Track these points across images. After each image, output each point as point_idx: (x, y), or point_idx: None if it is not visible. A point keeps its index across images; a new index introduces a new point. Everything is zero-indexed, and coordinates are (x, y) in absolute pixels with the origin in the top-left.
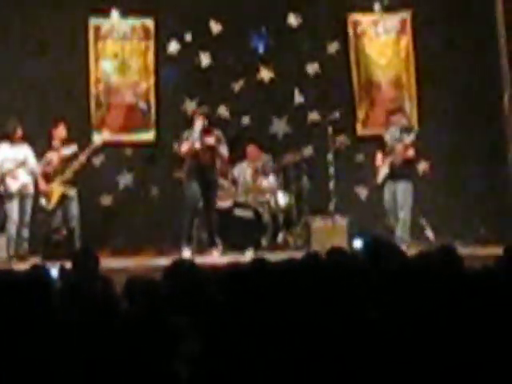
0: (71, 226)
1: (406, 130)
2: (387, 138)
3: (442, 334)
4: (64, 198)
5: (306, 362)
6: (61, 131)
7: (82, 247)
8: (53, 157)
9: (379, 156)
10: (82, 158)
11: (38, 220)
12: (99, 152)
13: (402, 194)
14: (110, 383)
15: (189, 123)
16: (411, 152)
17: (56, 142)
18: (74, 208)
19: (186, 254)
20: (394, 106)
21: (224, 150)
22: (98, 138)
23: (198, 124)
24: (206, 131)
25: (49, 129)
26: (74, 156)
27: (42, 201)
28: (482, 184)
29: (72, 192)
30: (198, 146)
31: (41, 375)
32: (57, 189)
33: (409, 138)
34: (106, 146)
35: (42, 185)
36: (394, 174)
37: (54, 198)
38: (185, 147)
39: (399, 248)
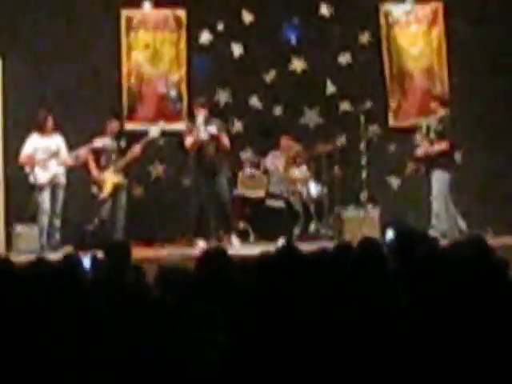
0: (117, 216)
1: (443, 122)
2: (427, 124)
3: (472, 324)
4: (117, 188)
5: (336, 350)
6: (114, 126)
7: (115, 238)
8: (91, 147)
9: (422, 147)
10: (137, 149)
11: (82, 208)
12: (154, 144)
13: (435, 183)
14: (144, 371)
15: (218, 114)
16: (443, 145)
17: (108, 134)
18: (123, 199)
19: (201, 247)
20: (429, 95)
21: (226, 140)
22: (154, 130)
23: (200, 115)
24: (206, 121)
25: (103, 118)
26: (126, 148)
27: (94, 189)
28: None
29: (124, 182)
30: (204, 136)
31: (73, 361)
32: (110, 178)
33: (434, 126)
34: (138, 136)
35: (95, 173)
36: (430, 164)
37: (108, 187)
38: (189, 140)
39: (431, 238)
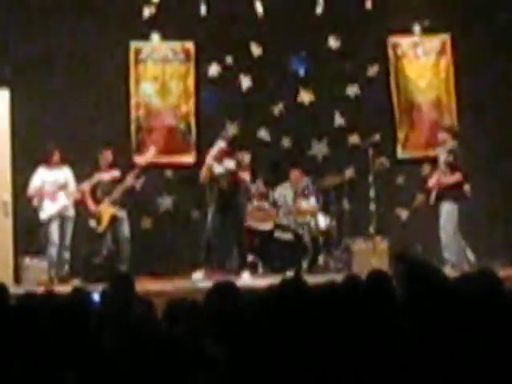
0: (122, 248)
1: (452, 153)
2: (439, 157)
3: (484, 358)
4: (114, 220)
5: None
6: (107, 156)
7: (120, 270)
8: (100, 179)
9: (433, 178)
10: (129, 178)
11: (88, 241)
12: (144, 172)
13: (445, 214)
14: None
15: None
16: (457, 176)
17: (103, 166)
18: (126, 229)
19: (197, 276)
20: (440, 126)
21: (245, 176)
22: (144, 157)
23: (215, 148)
24: (225, 155)
25: (96, 153)
26: (121, 178)
27: (92, 222)
28: None
29: (122, 213)
30: (217, 170)
31: None
32: (106, 210)
33: (443, 158)
34: (146, 168)
35: (92, 206)
36: (440, 195)
37: (105, 220)
38: (203, 172)
39: (440, 271)
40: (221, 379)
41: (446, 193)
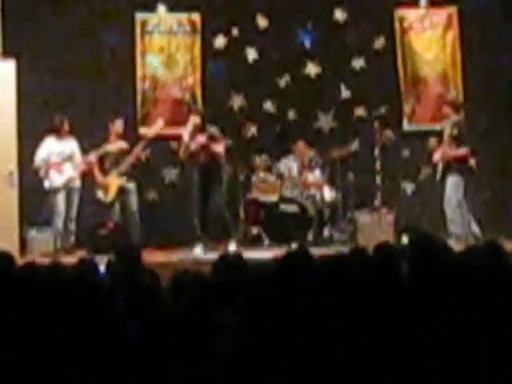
0: (130, 220)
1: (458, 126)
2: (445, 132)
3: (489, 331)
4: (122, 191)
5: (348, 356)
6: (118, 125)
7: (129, 242)
8: (107, 150)
9: (438, 152)
10: (137, 150)
11: (94, 213)
12: (152, 144)
13: (450, 187)
14: (157, 374)
15: (234, 117)
16: (463, 150)
17: (112, 137)
18: (134, 202)
19: (197, 251)
20: (443, 100)
21: (219, 148)
22: (151, 129)
23: (189, 124)
24: (198, 130)
25: (104, 120)
26: (129, 149)
27: (99, 193)
28: None
29: (130, 185)
30: (193, 146)
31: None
32: (114, 181)
33: (448, 131)
34: (154, 140)
35: (99, 177)
36: (446, 168)
37: (112, 191)
38: (180, 151)
39: (445, 244)
40: (231, 345)
41: (451, 166)
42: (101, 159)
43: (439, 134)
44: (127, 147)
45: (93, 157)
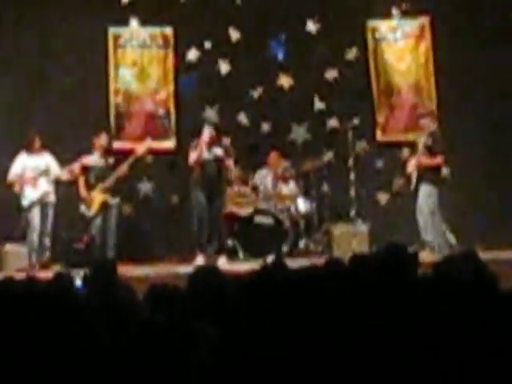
0: (108, 235)
1: (432, 136)
2: (420, 142)
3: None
4: (105, 206)
5: (324, 371)
6: (102, 139)
7: (105, 256)
8: (84, 163)
9: (412, 162)
10: (124, 167)
11: (70, 227)
12: (141, 160)
13: (421, 196)
14: None
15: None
16: (438, 159)
17: (96, 151)
18: (114, 217)
19: (200, 261)
20: (420, 110)
21: (231, 162)
22: (140, 147)
23: (206, 134)
24: (214, 141)
25: (90, 137)
26: (116, 165)
27: (82, 207)
28: (505, 184)
29: (114, 201)
30: (206, 156)
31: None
32: (98, 196)
33: (423, 141)
34: (141, 159)
35: (83, 192)
36: (419, 177)
37: (95, 205)
38: (193, 157)
39: (416, 255)
40: (212, 357)
41: (424, 175)
42: (85, 174)
43: (412, 144)
44: (103, 163)
45: (76, 166)
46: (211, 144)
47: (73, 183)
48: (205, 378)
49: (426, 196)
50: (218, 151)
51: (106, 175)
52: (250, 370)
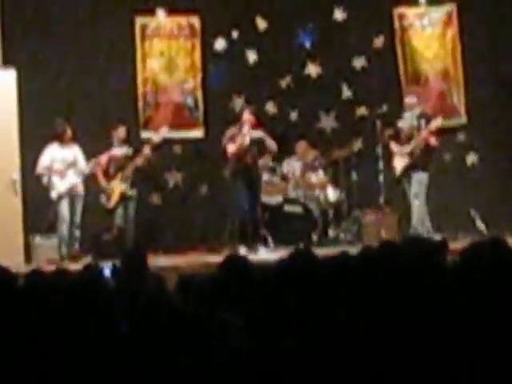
0: (127, 226)
1: (424, 116)
2: (403, 125)
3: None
4: (124, 197)
5: (351, 360)
6: (121, 132)
7: (131, 246)
8: (112, 155)
9: (393, 145)
10: (142, 156)
11: (98, 218)
12: (157, 150)
13: (417, 184)
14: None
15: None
16: (433, 140)
17: (115, 143)
18: (132, 208)
19: (243, 251)
20: (443, 97)
21: (272, 143)
22: (156, 136)
23: (247, 121)
24: (254, 125)
25: (106, 126)
26: (133, 155)
27: (102, 198)
28: None
29: (132, 192)
30: (247, 141)
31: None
32: (117, 187)
33: (435, 123)
34: (158, 147)
35: (103, 182)
36: (413, 164)
37: (115, 196)
38: (232, 147)
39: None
40: (240, 345)
41: (420, 160)
42: (106, 164)
43: (443, 131)
44: (131, 152)
45: (104, 158)
46: (252, 127)
47: (92, 174)
48: (233, 366)
49: (423, 185)
50: (259, 133)
51: (125, 166)
52: (276, 358)
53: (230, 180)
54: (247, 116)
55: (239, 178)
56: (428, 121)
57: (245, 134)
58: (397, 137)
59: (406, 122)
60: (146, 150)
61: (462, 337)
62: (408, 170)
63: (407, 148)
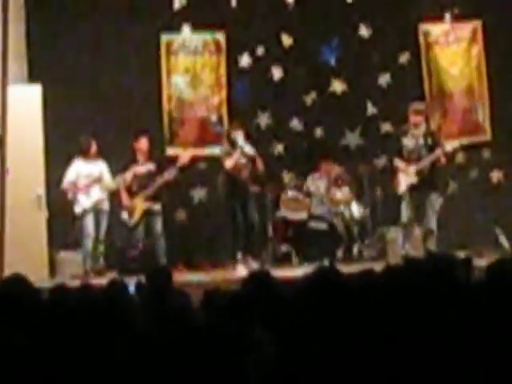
0: (156, 242)
1: (430, 135)
2: (408, 143)
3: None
4: (147, 214)
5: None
6: (143, 144)
7: (157, 264)
8: (136, 172)
9: (398, 162)
10: (168, 174)
11: (123, 234)
12: (185, 169)
13: (432, 208)
14: None
15: (259, 137)
16: (444, 160)
17: (139, 156)
18: (159, 224)
19: (241, 270)
20: (467, 114)
21: (260, 163)
22: (184, 156)
23: (241, 137)
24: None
25: (131, 142)
26: (157, 171)
27: (124, 215)
28: None
29: (156, 207)
30: (243, 159)
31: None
32: (140, 204)
33: (451, 145)
34: (186, 167)
35: (125, 199)
36: (423, 184)
37: (137, 213)
38: (230, 162)
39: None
40: (267, 362)
41: (432, 181)
42: (129, 182)
43: (468, 148)
44: (155, 169)
45: (129, 176)
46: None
47: (116, 190)
48: (262, 381)
49: (436, 203)
50: (251, 151)
51: (149, 183)
52: (305, 374)
53: (223, 196)
54: (239, 131)
55: (232, 194)
56: (434, 139)
57: (243, 149)
58: (399, 154)
59: (411, 140)
60: (171, 172)
61: (488, 353)
62: (414, 189)
63: (415, 166)
